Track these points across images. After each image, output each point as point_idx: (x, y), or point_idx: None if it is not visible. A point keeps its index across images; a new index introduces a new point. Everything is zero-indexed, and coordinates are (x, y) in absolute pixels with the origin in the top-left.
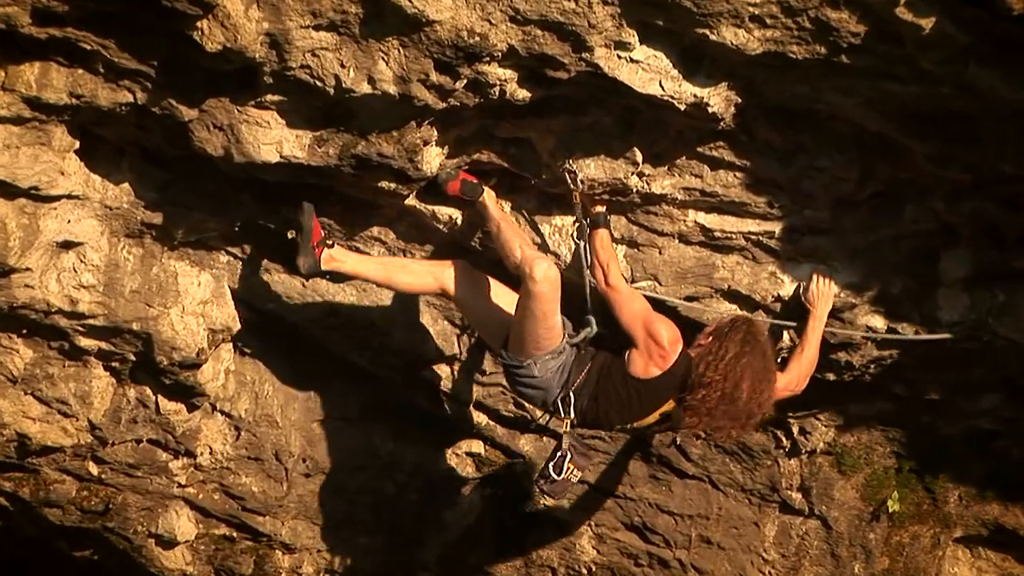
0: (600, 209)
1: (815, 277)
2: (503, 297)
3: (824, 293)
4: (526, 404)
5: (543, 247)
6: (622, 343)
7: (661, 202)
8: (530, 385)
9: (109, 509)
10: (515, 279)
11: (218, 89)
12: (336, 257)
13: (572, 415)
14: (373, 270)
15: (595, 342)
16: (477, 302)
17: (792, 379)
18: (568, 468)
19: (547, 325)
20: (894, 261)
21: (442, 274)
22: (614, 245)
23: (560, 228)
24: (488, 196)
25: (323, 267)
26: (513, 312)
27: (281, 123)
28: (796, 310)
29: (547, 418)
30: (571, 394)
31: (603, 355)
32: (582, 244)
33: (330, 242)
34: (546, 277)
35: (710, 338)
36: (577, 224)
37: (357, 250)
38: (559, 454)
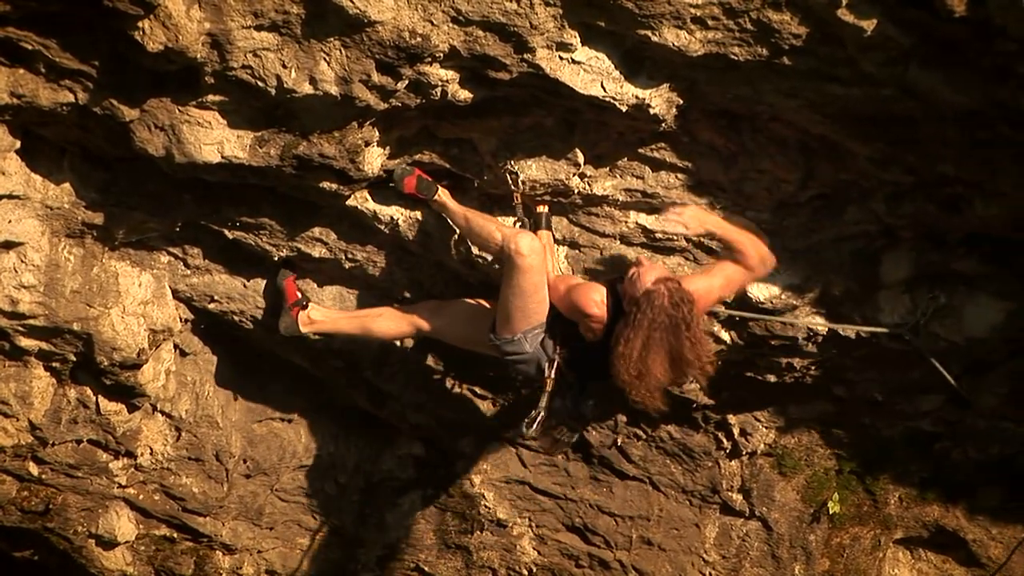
0: (542, 210)
1: (681, 217)
2: (477, 308)
3: (697, 218)
4: (468, 406)
5: None
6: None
7: (603, 203)
8: (522, 360)
9: (49, 509)
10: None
11: (160, 89)
12: (314, 319)
13: (552, 375)
14: (350, 325)
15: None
16: (454, 326)
17: (757, 268)
18: (559, 430)
19: (538, 298)
20: (835, 263)
21: (415, 318)
22: (555, 246)
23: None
24: (443, 193)
25: (302, 328)
26: (493, 305)
27: (223, 123)
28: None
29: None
30: (556, 358)
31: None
32: None
33: (304, 303)
34: (532, 249)
35: (631, 304)
36: (519, 225)
37: (299, 251)
38: (539, 413)
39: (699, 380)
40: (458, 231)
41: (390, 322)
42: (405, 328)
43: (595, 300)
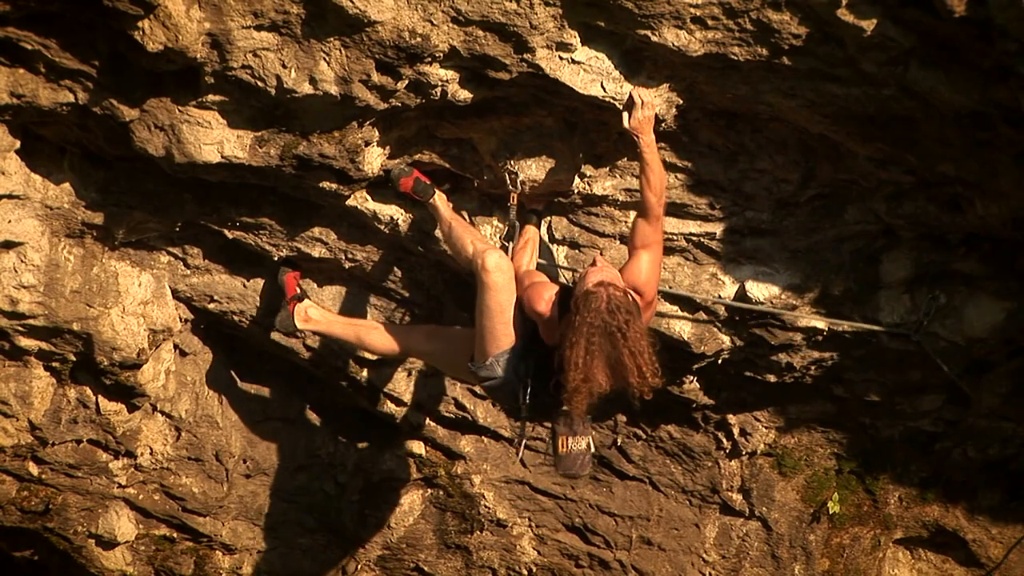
0: (535, 207)
1: (635, 99)
2: (470, 337)
3: (648, 117)
4: (467, 405)
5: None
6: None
7: (602, 203)
8: (496, 386)
9: (49, 509)
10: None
11: (159, 89)
12: (311, 316)
13: (527, 401)
14: (344, 331)
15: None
16: (446, 354)
17: (654, 211)
18: (561, 442)
19: (504, 320)
20: (835, 263)
21: (408, 339)
22: (537, 240)
23: (501, 229)
24: (440, 198)
25: (298, 323)
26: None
27: (222, 123)
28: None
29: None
30: (528, 382)
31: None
32: (510, 245)
33: (302, 297)
34: (498, 267)
35: (573, 305)
36: (508, 228)
37: (299, 251)
38: (549, 435)
39: (643, 392)
40: (441, 235)
41: (383, 338)
42: (396, 347)
43: (544, 298)
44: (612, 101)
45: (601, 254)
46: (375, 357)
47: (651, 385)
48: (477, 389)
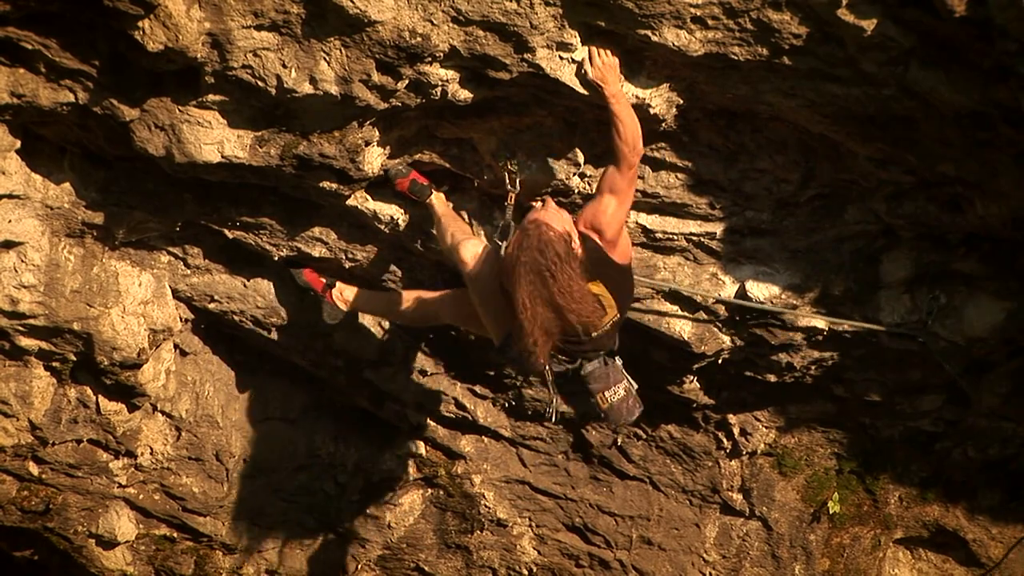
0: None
1: (592, 51)
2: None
3: (608, 64)
4: (467, 405)
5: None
6: None
7: None
8: (517, 363)
9: (49, 509)
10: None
11: (160, 89)
12: (347, 297)
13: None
14: (379, 304)
15: None
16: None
17: (624, 160)
18: (600, 399)
19: (493, 306)
20: (835, 262)
21: (439, 305)
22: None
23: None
24: (437, 198)
25: (343, 308)
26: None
27: (223, 123)
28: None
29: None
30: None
31: None
32: (502, 244)
33: (332, 283)
34: (474, 256)
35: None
36: (503, 224)
37: (299, 251)
38: (554, 401)
39: (584, 328)
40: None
41: (416, 308)
42: (429, 314)
43: (474, 253)
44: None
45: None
46: (406, 324)
47: (592, 323)
48: (478, 389)
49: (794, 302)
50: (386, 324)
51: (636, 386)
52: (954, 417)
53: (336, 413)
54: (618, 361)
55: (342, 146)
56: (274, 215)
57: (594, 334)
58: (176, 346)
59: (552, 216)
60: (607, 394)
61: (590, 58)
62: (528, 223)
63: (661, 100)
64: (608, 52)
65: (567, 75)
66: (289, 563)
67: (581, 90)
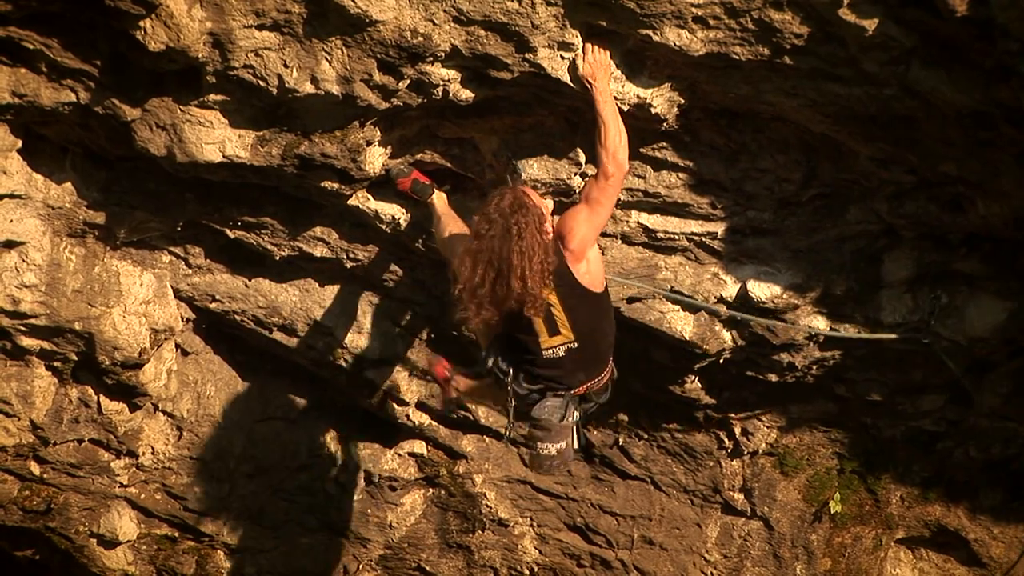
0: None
1: (587, 48)
2: None
3: (599, 61)
4: (469, 405)
5: None
6: None
7: None
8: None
9: (51, 509)
10: None
11: (161, 89)
12: (460, 389)
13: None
14: (480, 387)
15: None
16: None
17: (602, 171)
18: (539, 444)
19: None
20: (837, 262)
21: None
22: None
23: None
24: (439, 197)
25: (455, 396)
26: None
27: (224, 123)
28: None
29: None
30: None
31: None
32: None
33: (451, 374)
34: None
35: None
36: None
37: (301, 250)
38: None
39: (525, 302)
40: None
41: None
42: None
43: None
44: (615, 100)
45: (603, 253)
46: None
47: (534, 296)
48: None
49: (796, 302)
50: (386, 323)
51: (578, 447)
52: (956, 417)
53: (337, 413)
54: (576, 416)
55: (343, 146)
56: (275, 215)
57: (543, 344)
58: (177, 346)
59: (533, 193)
60: (541, 445)
61: (583, 53)
62: (507, 189)
63: (662, 100)
64: (601, 50)
65: (568, 75)
66: (290, 562)
67: (582, 90)
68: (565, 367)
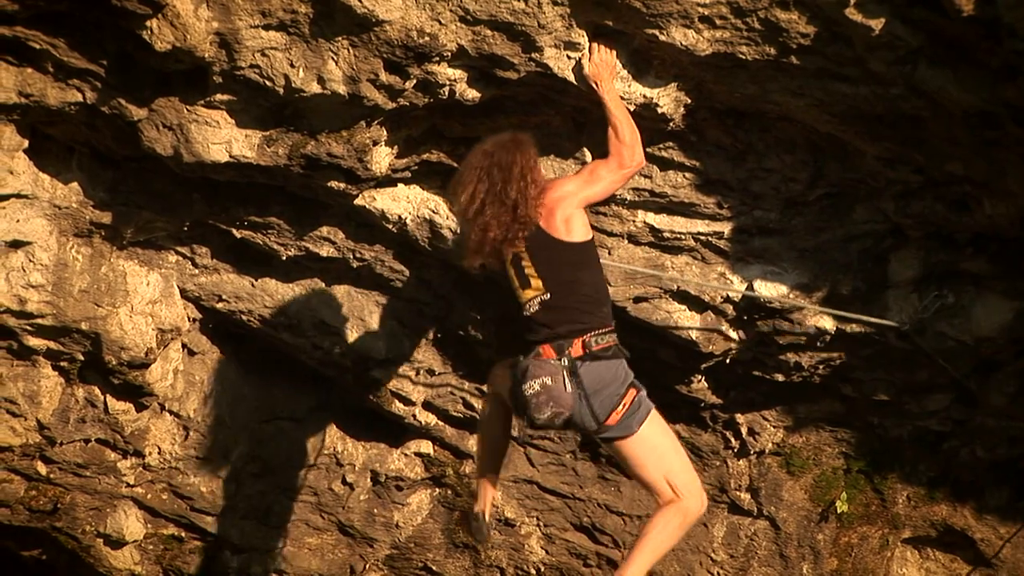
0: None
1: (592, 48)
2: None
3: (605, 61)
4: (475, 404)
5: None
6: None
7: (610, 202)
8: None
9: (58, 509)
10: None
11: (168, 89)
12: (493, 504)
13: None
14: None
15: None
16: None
17: (618, 158)
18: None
19: None
20: (843, 262)
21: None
22: None
23: None
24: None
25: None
26: None
27: (231, 123)
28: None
29: None
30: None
31: None
32: None
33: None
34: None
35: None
36: None
37: (307, 250)
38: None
39: (520, 231)
40: None
41: (490, 417)
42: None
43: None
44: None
45: (609, 253)
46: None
47: (533, 217)
48: (485, 388)
49: (802, 301)
50: (391, 322)
51: (569, 389)
52: (962, 416)
53: (344, 412)
54: (564, 362)
55: (350, 146)
56: (282, 214)
57: (520, 300)
58: (184, 346)
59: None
60: (525, 385)
61: (589, 53)
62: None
63: (669, 99)
64: (607, 50)
65: (574, 75)
66: (297, 562)
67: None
68: (546, 321)
